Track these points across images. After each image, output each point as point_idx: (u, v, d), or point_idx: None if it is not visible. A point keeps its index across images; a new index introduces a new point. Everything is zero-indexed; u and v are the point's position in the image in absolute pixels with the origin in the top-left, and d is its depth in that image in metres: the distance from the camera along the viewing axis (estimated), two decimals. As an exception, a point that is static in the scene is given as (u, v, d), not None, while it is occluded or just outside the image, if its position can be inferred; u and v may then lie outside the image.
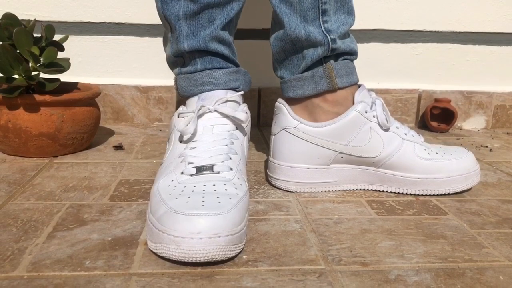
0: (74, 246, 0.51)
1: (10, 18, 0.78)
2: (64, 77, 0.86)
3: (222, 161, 0.58)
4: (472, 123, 1.16)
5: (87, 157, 0.82)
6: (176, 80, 0.72)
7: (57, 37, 0.82)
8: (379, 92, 1.12)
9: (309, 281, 0.46)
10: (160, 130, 1.03)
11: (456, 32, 1.12)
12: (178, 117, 0.66)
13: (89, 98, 0.83)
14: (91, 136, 0.86)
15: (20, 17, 0.80)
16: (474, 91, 1.15)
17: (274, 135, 0.70)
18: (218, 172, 0.56)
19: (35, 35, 0.79)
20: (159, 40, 1.06)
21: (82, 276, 0.45)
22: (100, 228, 0.55)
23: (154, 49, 1.07)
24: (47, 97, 0.77)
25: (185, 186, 0.53)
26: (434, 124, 1.11)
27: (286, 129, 0.67)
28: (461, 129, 1.15)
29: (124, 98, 1.07)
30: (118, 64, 1.07)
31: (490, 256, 0.51)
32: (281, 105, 0.68)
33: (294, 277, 0.46)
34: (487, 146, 0.99)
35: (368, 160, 0.67)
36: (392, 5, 1.09)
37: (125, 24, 1.05)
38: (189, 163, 0.57)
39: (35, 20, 0.81)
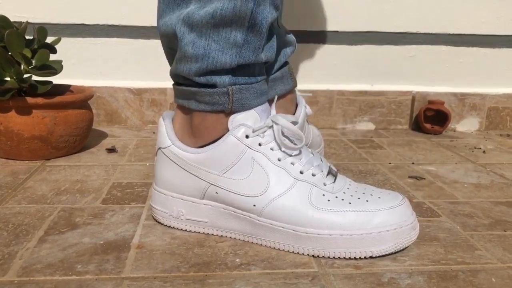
0: (66, 250, 0.51)
1: (2, 20, 0.78)
2: (57, 79, 0.86)
3: (323, 161, 0.57)
4: (466, 125, 1.17)
5: (80, 160, 0.82)
6: (229, 93, 0.54)
7: (49, 39, 0.82)
8: (373, 94, 1.12)
9: (302, 284, 0.45)
10: (154, 133, 1.03)
11: (449, 34, 1.13)
12: (253, 133, 0.54)
13: (81, 100, 0.82)
14: (84, 139, 0.86)
15: (12, 19, 0.80)
16: (467, 93, 1.15)
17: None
18: (338, 171, 0.57)
19: (27, 37, 0.79)
20: (153, 42, 1.06)
21: (73, 280, 0.45)
22: (92, 231, 0.55)
23: (148, 51, 1.06)
24: (39, 100, 0.77)
25: (344, 193, 0.53)
26: (428, 126, 1.11)
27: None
28: (454, 131, 1.16)
29: (118, 101, 1.07)
30: (111, 66, 1.07)
31: (483, 258, 0.51)
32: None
33: (287, 281, 0.46)
34: (480, 148, 0.99)
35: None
36: (385, 7, 1.09)
37: (118, 26, 1.05)
38: (321, 171, 0.54)
39: (27, 22, 0.80)
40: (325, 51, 1.11)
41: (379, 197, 0.53)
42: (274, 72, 0.68)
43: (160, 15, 0.56)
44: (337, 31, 1.10)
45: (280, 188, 0.52)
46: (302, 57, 1.10)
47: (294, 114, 0.72)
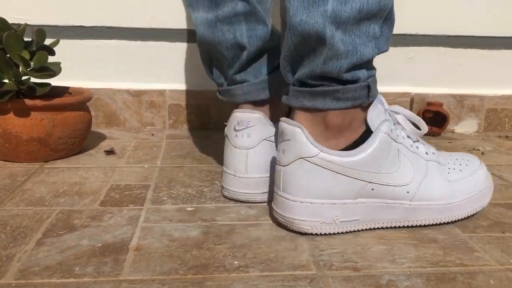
0: (64, 252, 0.50)
1: (0, 22, 0.78)
2: (55, 81, 0.86)
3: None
4: (464, 126, 1.17)
5: (78, 162, 0.82)
6: (369, 86, 0.56)
7: (48, 41, 0.82)
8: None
9: (300, 286, 0.45)
10: (152, 135, 1.03)
11: (448, 36, 1.13)
12: (393, 126, 0.57)
13: (80, 102, 0.82)
14: (82, 141, 0.85)
15: (10, 21, 0.80)
16: (466, 94, 1.16)
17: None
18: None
19: (25, 39, 0.79)
20: (151, 44, 1.06)
21: (71, 283, 0.45)
22: (90, 234, 0.55)
23: (146, 53, 1.06)
24: (38, 102, 0.77)
25: (448, 163, 0.62)
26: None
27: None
28: (453, 133, 1.16)
29: (116, 102, 1.07)
30: (110, 68, 1.07)
31: (481, 260, 0.51)
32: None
33: (285, 283, 0.46)
34: (479, 149, 0.99)
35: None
36: (384, 9, 1.09)
37: (117, 28, 1.05)
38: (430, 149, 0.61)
39: (26, 24, 0.80)
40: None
41: (468, 159, 0.64)
42: (270, 72, 0.68)
43: (293, 13, 0.52)
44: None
45: (421, 171, 0.58)
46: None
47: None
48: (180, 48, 1.07)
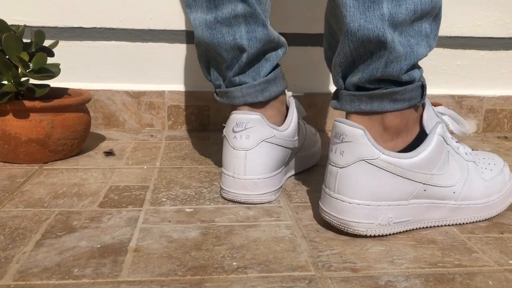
0: (63, 254, 0.50)
1: (-1, 23, 0.78)
2: (54, 82, 0.86)
3: None
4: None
5: (77, 163, 0.82)
6: (423, 85, 0.58)
7: (47, 43, 0.82)
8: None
9: (298, 287, 0.45)
10: (152, 136, 1.03)
11: (447, 36, 1.13)
12: (445, 127, 0.59)
13: (79, 103, 0.82)
14: (81, 142, 0.86)
15: (9, 23, 0.80)
16: (465, 95, 1.16)
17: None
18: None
19: (24, 40, 0.79)
20: (150, 45, 1.06)
21: (70, 284, 0.45)
22: (89, 235, 0.55)
23: (145, 54, 1.06)
24: (37, 103, 0.77)
25: (480, 162, 0.64)
26: (426, 128, 1.11)
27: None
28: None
29: (115, 104, 1.07)
30: (109, 70, 1.07)
31: (480, 261, 0.51)
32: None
33: (284, 284, 0.46)
34: (478, 150, 0.99)
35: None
36: (383, 10, 1.09)
37: (116, 29, 1.05)
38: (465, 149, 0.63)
39: (25, 26, 0.81)
40: (323, 53, 1.11)
41: (493, 158, 0.66)
42: (268, 74, 0.68)
43: (351, 19, 0.52)
44: (334, 34, 1.10)
45: (464, 172, 0.60)
46: (299, 60, 1.10)
47: (285, 115, 0.72)
48: (179, 49, 1.07)
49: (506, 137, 1.13)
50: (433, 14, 0.55)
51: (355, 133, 0.54)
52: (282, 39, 0.70)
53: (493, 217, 0.63)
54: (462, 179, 0.59)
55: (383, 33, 0.52)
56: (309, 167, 0.82)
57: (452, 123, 0.61)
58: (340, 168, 0.55)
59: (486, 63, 1.17)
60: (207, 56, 0.70)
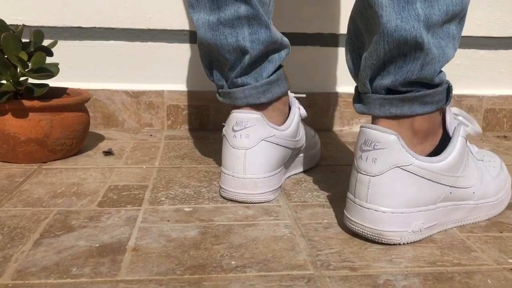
0: (61, 253, 0.50)
1: (-2, 23, 0.78)
2: (54, 82, 0.86)
3: None
4: (463, 126, 1.17)
5: (76, 163, 0.82)
6: (450, 87, 0.57)
7: (46, 42, 0.82)
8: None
9: (297, 286, 0.45)
10: (151, 135, 1.03)
11: (446, 36, 1.13)
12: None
13: (78, 103, 0.82)
14: (80, 142, 0.85)
15: (8, 22, 0.80)
16: (464, 94, 1.16)
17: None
18: None
19: (23, 40, 0.79)
20: (149, 44, 1.06)
21: (68, 283, 0.45)
22: (88, 234, 0.55)
23: (144, 53, 1.06)
24: (36, 103, 0.77)
25: (484, 161, 0.64)
26: (425, 127, 1.11)
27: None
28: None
29: (115, 103, 1.07)
30: (108, 69, 1.07)
31: (479, 260, 0.51)
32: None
33: (283, 283, 0.46)
34: (477, 150, 1.00)
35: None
36: (382, 9, 1.09)
37: (115, 29, 1.05)
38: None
39: (23, 25, 0.80)
40: (322, 53, 1.11)
41: (491, 155, 0.67)
42: (270, 75, 0.68)
43: (387, 19, 0.50)
44: (334, 34, 1.10)
45: (479, 171, 0.60)
46: (299, 60, 1.10)
47: (288, 115, 0.72)
48: (178, 49, 1.07)
49: (505, 137, 1.13)
50: (461, 16, 0.54)
51: (388, 139, 0.52)
52: (285, 40, 0.69)
53: (500, 213, 0.64)
54: (479, 178, 0.59)
55: (420, 35, 0.50)
56: (309, 168, 0.82)
57: (469, 125, 0.61)
58: (373, 176, 0.53)
59: (486, 62, 1.16)
60: (210, 57, 0.70)
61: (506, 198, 0.65)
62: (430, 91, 0.54)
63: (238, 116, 0.65)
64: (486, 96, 1.16)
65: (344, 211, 0.57)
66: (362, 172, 0.54)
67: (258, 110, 0.67)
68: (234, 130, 0.65)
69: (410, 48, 0.51)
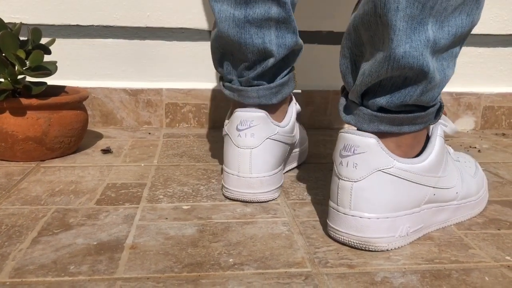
0: (59, 251, 0.50)
1: (-5, 21, 0.78)
2: (52, 80, 0.86)
3: None
4: (461, 124, 1.17)
5: (75, 161, 0.82)
6: (442, 106, 0.57)
7: (44, 40, 0.82)
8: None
9: (295, 284, 0.45)
10: (149, 133, 1.03)
11: (444, 33, 1.13)
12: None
13: (76, 101, 0.82)
14: (78, 140, 0.85)
15: (6, 20, 0.80)
16: (462, 92, 1.16)
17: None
18: None
19: (21, 38, 0.79)
20: (148, 42, 1.06)
21: (66, 281, 0.45)
22: (86, 232, 0.55)
23: (143, 52, 1.06)
24: (34, 101, 0.76)
25: (460, 161, 0.64)
26: (424, 125, 1.11)
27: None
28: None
29: (113, 101, 1.07)
30: (107, 67, 1.07)
31: (476, 257, 0.51)
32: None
33: (280, 280, 0.46)
34: (475, 147, 1.00)
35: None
36: (380, 7, 1.09)
37: (113, 27, 1.05)
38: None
39: (21, 23, 0.80)
40: (321, 51, 1.11)
41: (464, 156, 0.67)
42: (284, 76, 0.68)
43: (397, 44, 0.48)
44: (332, 31, 1.10)
45: (459, 171, 0.60)
46: (297, 57, 1.10)
47: (286, 112, 0.72)
48: (176, 47, 1.07)
49: (504, 134, 1.13)
50: (466, 37, 0.53)
51: (368, 142, 0.51)
52: (301, 41, 0.68)
53: (481, 212, 0.64)
54: (460, 178, 0.59)
55: (427, 63, 0.49)
56: (300, 164, 0.82)
57: (444, 124, 0.60)
58: (355, 182, 0.51)
59: (484, 60, 1.16)
60: (224, 49, 0.67)
61: (485, 196, 0.65)
62: (423, 113, 0.53)
63: (243, 115, 0.64)
64: (485, 93, 1.16)
65: (327, 221, 0.55)
66: (343, 178, 0.52)
67: (262, 108, 0.66)
68: (238, 129, 0.64)
69: (413, 74, 0.50)
